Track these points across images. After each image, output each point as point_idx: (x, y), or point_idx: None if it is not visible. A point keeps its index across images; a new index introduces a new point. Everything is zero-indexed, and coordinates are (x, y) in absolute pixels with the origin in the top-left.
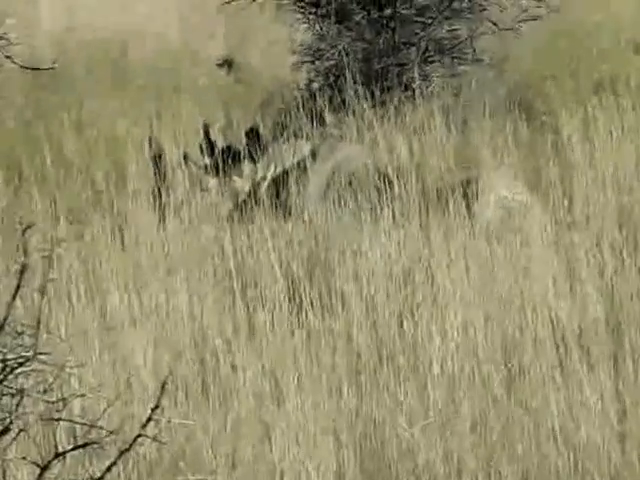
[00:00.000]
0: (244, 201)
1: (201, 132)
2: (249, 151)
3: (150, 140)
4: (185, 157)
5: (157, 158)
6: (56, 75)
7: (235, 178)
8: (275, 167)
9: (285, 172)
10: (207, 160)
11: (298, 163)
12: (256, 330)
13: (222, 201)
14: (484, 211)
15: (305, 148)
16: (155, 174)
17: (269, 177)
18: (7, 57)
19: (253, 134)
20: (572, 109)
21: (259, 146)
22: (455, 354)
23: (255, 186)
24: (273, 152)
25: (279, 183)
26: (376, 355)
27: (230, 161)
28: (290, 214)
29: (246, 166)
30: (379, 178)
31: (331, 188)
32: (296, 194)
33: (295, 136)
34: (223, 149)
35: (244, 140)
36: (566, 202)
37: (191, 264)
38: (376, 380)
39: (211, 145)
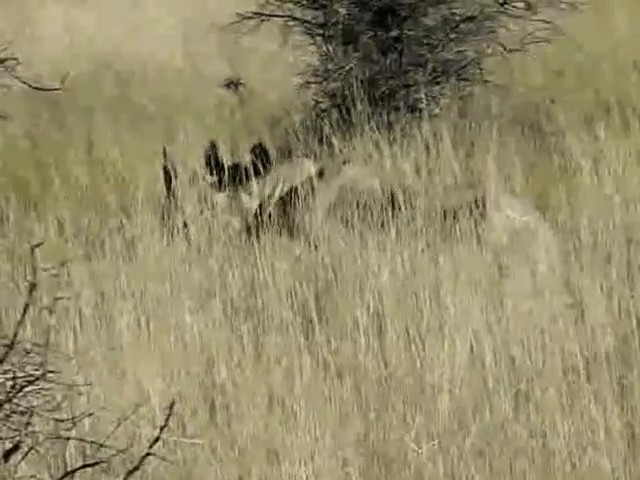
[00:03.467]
0: (253, 218)
1: (208, 150)
2: (255, 168)
3: (164, 151)
4: (194, 174)
5: (169, 170)
6: (62, 97)
7: (243, 196)
8: (283, 185)
9: (292, 190)
10: (214, 178)
11: (305, 182)
12: (263, 353)
13: (230, 219)
14: (491, 233)
15: (312, 167)
16: (166, 187)
17: (277, 195)
18: (16, 77)
19: (259, 150)
20: (579, 131)
21: (266, 162)
22: (463, 378)
23: (263, 203)
24: (280, 170)
25: (286, 202)
26: (384, 377)
27: (237, 179)
28: (297, 235)
29: (254, 183)
30: (386, 199)
31: (338, 208)
32: (303, 215)
33: (304, 155)
34: (230, 167)
35: (250, 157)
36: (573, 224)
37: (199, 286)
38: (384, 402)
39: (218, 163)
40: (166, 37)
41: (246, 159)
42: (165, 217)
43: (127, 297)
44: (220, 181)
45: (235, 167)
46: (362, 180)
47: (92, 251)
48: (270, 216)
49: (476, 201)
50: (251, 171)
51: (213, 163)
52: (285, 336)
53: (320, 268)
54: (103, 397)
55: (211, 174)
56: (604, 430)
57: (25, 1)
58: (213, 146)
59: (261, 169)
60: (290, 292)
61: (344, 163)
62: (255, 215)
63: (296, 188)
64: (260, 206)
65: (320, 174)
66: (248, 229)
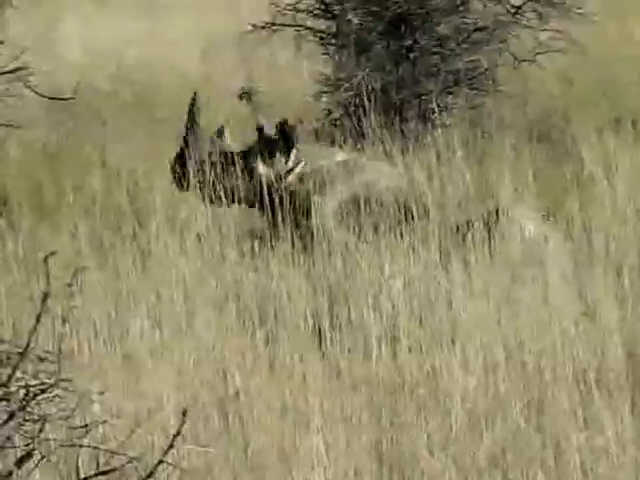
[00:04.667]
0: (267, 191)
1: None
2: (283, 142)
3: (195, 96)
4: (221, 130)
5: (193, 120)
6: (79, 106)
7: (260, 164)
8: (305, 164)
9: (312, 173)
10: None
11: (329, 168)
12: (277, 361)
13: (243, 184)
14: (504, 242)
15: (338, 155)
16: (185, 138)
17: (297, 171)
18: (27, 87)
19: (285, 127)
20: (592, 141)
21: (290, 139)
22: (476, 387)
23: (279, 177)
24: (306, 150)
25: (301, 185)
26: (397, 386)
27: (263, 148)
28: (310, 238)
29: (277, 156)
30: (398, 209)
31: (351, 210)
32: (316, 212)
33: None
34: (263, 136)
35: (276, 132)
36: (586, 234)
37: (212, 295)
38: (397, 411)
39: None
40: (183, 47)
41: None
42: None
43: (140, 305)
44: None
45: (264, 139)
46: (383, 180)
47: (106, 259)
48: (284, 194)
49: (489, 211)
50: (279, 144)
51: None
52: (298, 345)
53: (333, 277)
54: (116, 405)
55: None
56: (617, 439)
57: (43, 12)
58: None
59: (286, 144)
60: (303, 300)
61: (367, 160)
62: (270, 186)
63: (315, 171)
64: (277, 178)
65: (344, 164)
66: (261, 202)
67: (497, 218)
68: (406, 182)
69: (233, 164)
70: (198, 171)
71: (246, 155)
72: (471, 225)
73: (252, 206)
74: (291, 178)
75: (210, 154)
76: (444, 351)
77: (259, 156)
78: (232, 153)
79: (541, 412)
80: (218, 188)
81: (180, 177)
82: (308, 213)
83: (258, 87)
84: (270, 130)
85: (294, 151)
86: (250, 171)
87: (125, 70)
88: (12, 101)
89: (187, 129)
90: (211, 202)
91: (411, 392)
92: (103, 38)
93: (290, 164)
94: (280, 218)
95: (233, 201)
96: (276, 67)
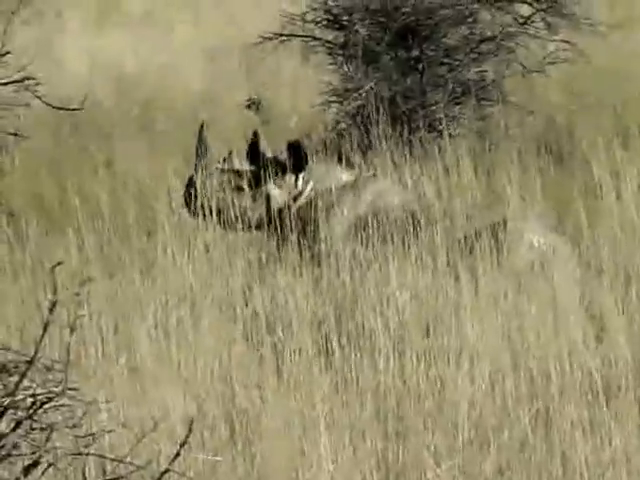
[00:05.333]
0: (278, 214)
1: (250, 140)
2: (292, 163)
3: (202, 125)
4: (230, 154)
5: (202, 148)
6: (84, 118)
7: (271, 186)
8: (314, 185)
9: (321, 193)
10: (251, 166)
11: (336, 189)
12: (283, 372)
13: (254, 207)
14: (512, 253)
15: (344, 175)
16: (195, 166)
17: (306, 193)
18: (37, 97)
19: (295, 147)
20: (600, 152)
21: (301, 159)
22: (483, 397)
23: (290, 200)
24: (312, 171)
25: (309, 208)
26: (404, 396)
27: (273, 171)
28: (318, 250)
29: (287, 177)
30: (406, 221)
31: (360, 225)
32: (324, 226)
33: (339, 160)
34: (268, 158)
35: (285, 153)
36: (594, 244)
37: (219, 304)
38: (403, 421)
39: (256, 153)
40: (187, 58)
41: (282, 155)
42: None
43: (147, 314)
44: (255, 171)
45: (274, 159)
46: (388, 196)
47: (113, 269)
48: (294, 218)
49: (497, 222)
50: (288, 165)
51: (252, 153)
52: (305, 356)
53: (340, 288)
54: (123, 414)
55: (251, 164)
56: (623, 449)
57: (47, 23)
58: (256, 137)
59: (296, 165)
60: (310, 311)
61: (374, 176)
62: (281, 210)
63: (324, 192)
64: (288, 201)
65: (351, 185)
66: (271, 222)
67: (505, 228)
68: (413, 195)
69: (243, 188)
70: (209, 198)
71: (257, 178)
72: (479, 235)
73: (262, 229)
74: (301, 201)
75: (220, 180)
76: (451, 361)
77: (271, 178)
78: (242, 176)
79: (548, 422)
80: (230, 214)
81: (192, 205)
82: (315, 238)
83: (266, 98)
84: (268, 152)
85: (303, 173)
86: (261, 194)
87: (129, 81)
88: (19, 111)
89: (197, 157)
90: (224, 228)
91: (418, 402)
92: (107, 49)
93: (300, 186)
94: (289, 241)
95: (248, 225)
96: (283, 78)
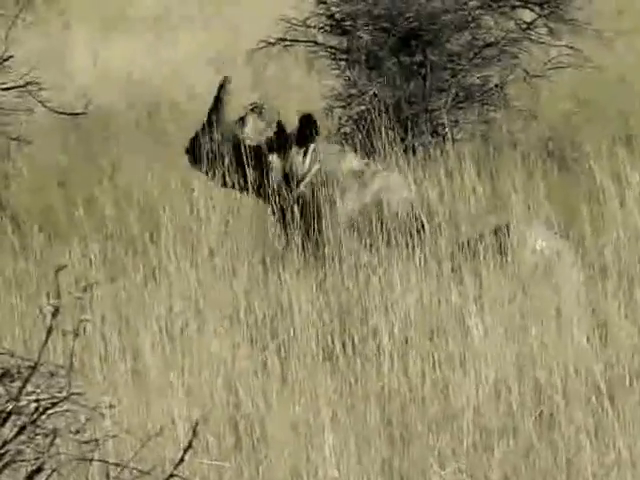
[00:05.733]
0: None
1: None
2: (300, 137)
3: (225, 79)
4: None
5: (218, 102)
6: (89, 124)
7: (274, 157)
8: (322, 166)
9: (326, 177)
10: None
11: (343, 176)
12: (288, 377)
13: (255, 175)
14: (516, 259)
15: (352, 162)
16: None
17: (313, 173)
18: (39, 101)
19: (307, 120)
20: (604, 157)
21: (314, 132)
22: (487, 401)
23: (294, 177)
24: (321, 149)
25: (312, 192)
26: (408, 401)
27: (282, 143)
28: (322, 251)
29: (294, 150)
30: (410, 221)
31: (363, 221)
32: (327, 222)
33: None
34: (281, 129)
35: (298, 126)
36: (598, 249)
37: (223, 309)
38: (408, 426)
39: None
40: (192, 64)
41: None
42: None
43: (151, 319)
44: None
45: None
46: (394, 192)
47: (117, 274)
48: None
49: (500, 226)
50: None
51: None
52: (310, 359)
53: (344, 290)
54: (127, 419)
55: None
56: (629, 453)
57: (52, 28)
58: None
59: (306, 139)
60: (314, 315)
61: (383, 169)
62: (281, 187)
63: (328, 175)
64: (290, 184)
65: (358, 174)
66: (282, 219)
67: (509, 233)
68: (417, 195)
69: (248, 154)
70: (214, 153)
71: (261, 147)
72: (483, 240)
73: (263, 200)
74: (306, 181)
75: (230, 139)
76: (456, 365)
77: (276, 148)
78: (249, 144)
79: (552, 427)
80: (231, 174)
81: (195, 154)
82: (319, 220)
83: (269, 103)
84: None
85: (312, 147)
86: (262, 162)
87: (134, 87)
88: (23, 118)
89: (211, 110)
90: (222, 185)
91: (422, 406)
92: (112, 55)
93: (307, 163)
94: (292, 225)
95: (243, 189)
96: (287, 83)
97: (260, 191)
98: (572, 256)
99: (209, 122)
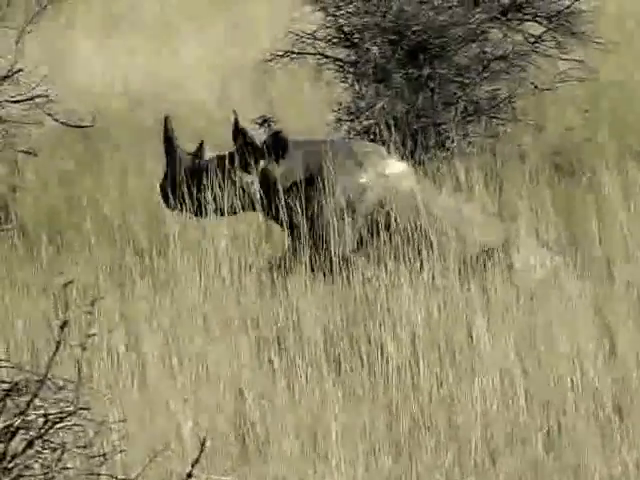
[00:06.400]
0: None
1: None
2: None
3: (167, 118)
4: (201, 146)
5: (169, 140)
6: (95, 133)
7: (245, 173)
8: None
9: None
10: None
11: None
12: (295, 388)
13: (231, 194)
14: (523, 273)
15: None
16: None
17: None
18: (48, 114)
19: (276, 137)
20: (612, 169)
21: (283, 148)
22: (495, 414)
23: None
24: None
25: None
26: (415, 415)
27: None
28: (329, 263)
29: (262, 163)
30: (418, 233)
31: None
32: (334, 236)
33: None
34: (249, 141)
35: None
36: (605, 261)
37: (230, 320)
38: (415, 438)
39: (246, 140)
40: (198, 74)
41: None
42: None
43: (158, 332)
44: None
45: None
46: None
47: (124, 287)
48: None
49: (508, 239)
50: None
51: (240, 140)
52: (316, 371)
53: (352, 303)
54: (134, 433)
55: (238, 152)
56: (635, 466)
57: (57, 38)
58: (236, 121)
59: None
60: (321, 325)
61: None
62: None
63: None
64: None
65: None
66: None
67: (517, 247)
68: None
69: (215, 174)
70: (181, 186)
71: (225, 161)
72: (490, 253)
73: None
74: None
75: (193, 169)
76: (463, 379)
77: (240, 163)
78: (212, 163)
79: (560, 442)
80: (204, 200)
81: (167, 196)
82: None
83: (277, 116)
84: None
85: (282, 162)
86: (240, 180)
87: (140, 97)
88: (30, 128)
89: (166, 150)
90: (198, 215)
91: (430, 419)
92: (117, 65)
93: (278, 174)
94: (300, 234)
95: (222, 214)
96: (295, 95)
97: (237, 208)
98: (579, 268)
99: (168, 161)
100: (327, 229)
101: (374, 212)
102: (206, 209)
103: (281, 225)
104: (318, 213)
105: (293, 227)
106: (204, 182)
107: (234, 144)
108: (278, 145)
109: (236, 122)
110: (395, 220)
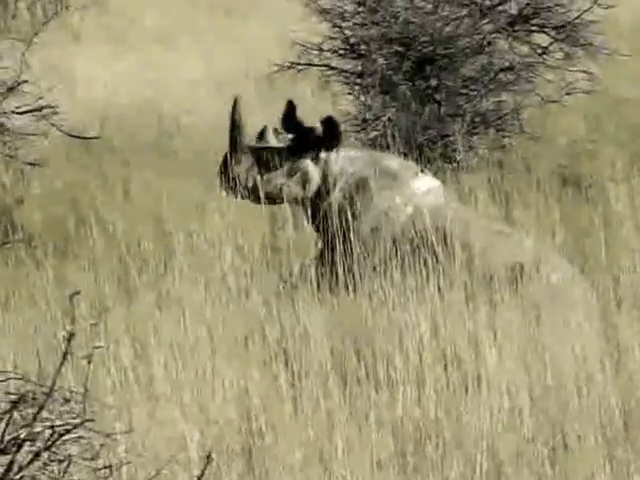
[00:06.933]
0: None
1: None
2: (325, 138)
3: (236, 100)
4: (264, 130)
5: (235, 123)
6: (99, 143)
7: (307, 161)
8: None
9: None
10: (287, 139)
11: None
12: (301, 402)
13: (290, 183)
14: (530, 287)
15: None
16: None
17: (341, 184)
18: (53, 125)
19: (329, 123)
20: (619, 182)
21: (336, 135)
22: (500, 429)
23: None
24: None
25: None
26: (421, 430)
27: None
28: (336, 277)
29: (323, 154)
30: (424, 246)
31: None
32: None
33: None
34: (306, 130)
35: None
36: (612, 274)
37: (236, 333)
38: (421, 454)
39: (293, 124)
40: (204, 85)
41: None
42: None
43: (164, 344)
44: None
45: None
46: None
47: (130, 297)
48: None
49: (538, 256)
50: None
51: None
52: (323, 385)
53: (358, 316)
54: (141, 445)
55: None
56: None
57: (62, 50)
58: (290, 105)
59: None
60: (328, 341)
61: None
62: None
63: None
64: (320, 190)
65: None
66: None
67: (523, 260)
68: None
69: (278, 162)
70: (245, 172)
71: (291, 152)
72: (520, 270)
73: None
74: (339, 186)
75: (256, 154)
76: (469, 394)
77: (308, 153)
78: (277, 151)
79: (566, 457)
80: (264, 187)
81: (227, 182)
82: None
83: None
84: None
85: (334, 152)
86: (298, 169)
87: (144, 109)
88: (36, 139)
89: (231, 133)
90: (257, 201)
91: (436, 435)
92: (121, 77)
93: (339, 166)
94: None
95: (280, 200)
96: (300, 107)
97: (296, 197)
98: (586, 282)
99: (232, 144)
100: (366, 241)
101: (405, 230)
102: (265, 196)
103: (317, 229)
104: (359, 223)
105: (329, 232)
106: (267, 170)
107: (285, 129)
108: (333, 129)
109: (291, 111)
110: (424, 237)
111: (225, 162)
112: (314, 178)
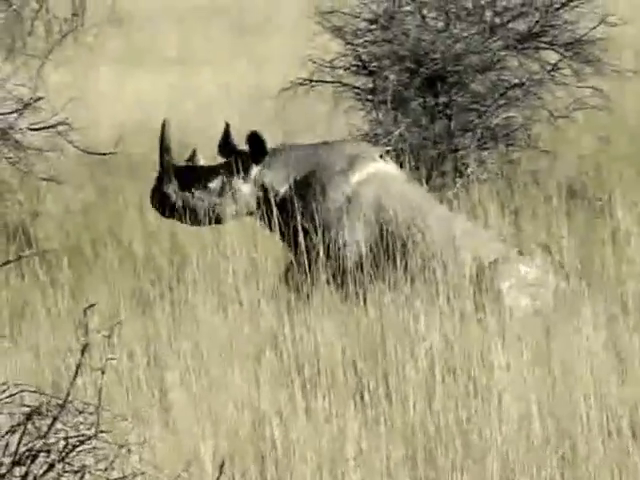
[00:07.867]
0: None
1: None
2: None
3: (164, 122)
4: (194, 153)
5: (164, 146)
6: (115, 160)
7: (239, 180)
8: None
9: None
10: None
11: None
12: (314, 412)
13: (222, 202)
14: (539, 297)
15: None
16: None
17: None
18: (69, 142)
19: (254, 139)
20: (627, 198)
21: (262, 151)
22: (510, 438)
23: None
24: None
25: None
26: (433, 438)
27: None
28: (346, 289)
29: (253, 171)
30: (436, 259)
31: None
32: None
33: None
34: (239, 151)
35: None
36: (620, 287)
37: (249, 345)
38: (432, 463)
39: (228, 146)
40: (218, 102)
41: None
42: None
43: (178, 356)
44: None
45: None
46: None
47: (144, 311)
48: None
49: (502, 254)
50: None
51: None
52: (336, 395)
53: (369, 328)
54: (155, 456)
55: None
56: None
57: (79, 67)
58: (227, 130)
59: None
60: (340, 352)
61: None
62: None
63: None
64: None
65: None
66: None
67: (532, 272)
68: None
69: (209, 181)
70: (174, 192)
71: (221, 171)
72: (482, 269)
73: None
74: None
75: (186, 176)
76: (479, 402)
77: (238, 172)
78: (207, 171)
79: (576, 463)
80: (199, 210)
81: (161, 203)
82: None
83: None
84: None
85: (259, 166)
86: (230, 189)
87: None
88: (51, 155)
89: (160, 156)
90: (193, 223)
91: (447, 443)
92: (139, 94)
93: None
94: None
95: (216, 220)
96: (314, 123)
97: (230, 215)
98: (593, 293)
99: (162, 164)
100: (333, 230)
101: (371, 214)
102: (201, 216)
103: (281, 235)
104: (322, 217)
105: (290, 236)
106: (198, 189)
107: (220, 154)
108: (256, 144)
109: (227, 133)
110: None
111: (157, 184)
112: (245, 194)
